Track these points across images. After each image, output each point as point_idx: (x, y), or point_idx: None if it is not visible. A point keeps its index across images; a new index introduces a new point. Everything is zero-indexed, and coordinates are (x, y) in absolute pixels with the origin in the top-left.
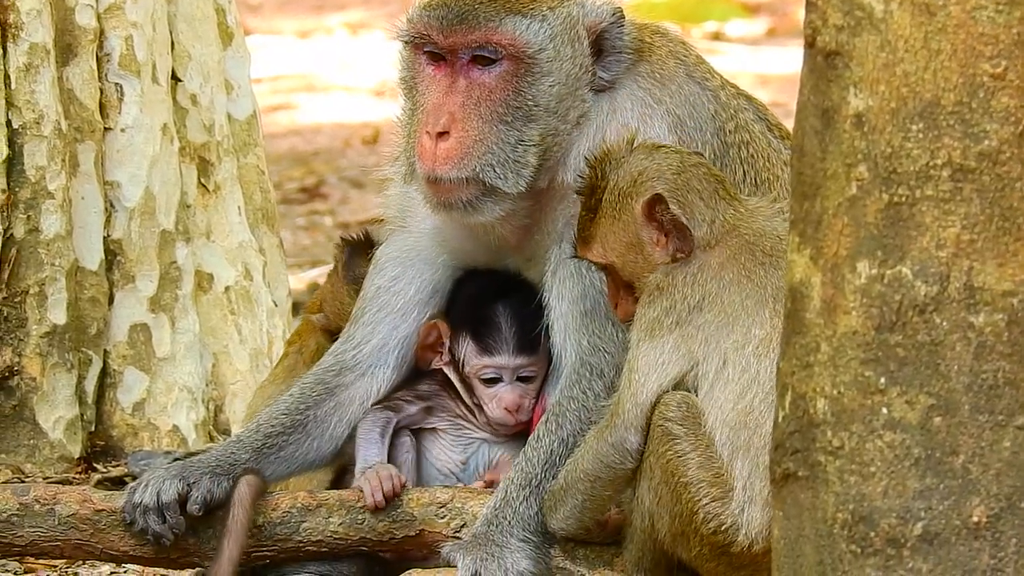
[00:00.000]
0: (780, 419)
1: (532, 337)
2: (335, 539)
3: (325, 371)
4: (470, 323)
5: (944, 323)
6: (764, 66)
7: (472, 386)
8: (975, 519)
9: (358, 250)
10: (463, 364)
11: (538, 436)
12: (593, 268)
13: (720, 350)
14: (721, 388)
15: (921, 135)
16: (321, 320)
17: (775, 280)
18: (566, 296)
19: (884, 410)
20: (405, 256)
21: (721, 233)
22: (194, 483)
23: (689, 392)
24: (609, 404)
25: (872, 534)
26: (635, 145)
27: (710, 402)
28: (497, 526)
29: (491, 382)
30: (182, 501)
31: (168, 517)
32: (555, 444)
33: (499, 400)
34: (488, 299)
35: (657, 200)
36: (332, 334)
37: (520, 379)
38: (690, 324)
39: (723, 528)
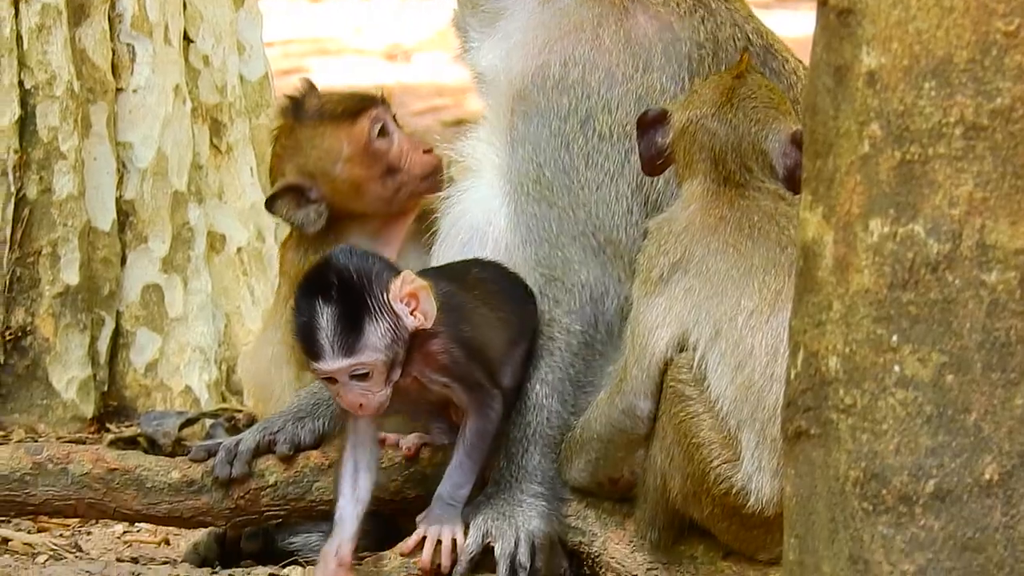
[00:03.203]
0: (792, 377)
1: (351, 337)
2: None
3: None
4: (296, 328)
5: (956, 281)
6: (775, 29)
7: None
8: (987, 476)
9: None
10: None
11: (523, 386)
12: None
13: (711, 320)
14: (716, 361)
15: (934, 93)
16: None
17: (762, 252)
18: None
19: (896, 368)
20: None
21: (715, 195)
22: (278, 431)
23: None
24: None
25: (884, 492)
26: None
27: (710, 374)
28: (505, 485)
29: (329, 382)
30: (261, 451)
31: (235, 465)
32: (537, 387)
33: (340, 399)
34: (303, 302)
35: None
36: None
37: (354, 377)
38: (676, 285)
39: (734, 490)
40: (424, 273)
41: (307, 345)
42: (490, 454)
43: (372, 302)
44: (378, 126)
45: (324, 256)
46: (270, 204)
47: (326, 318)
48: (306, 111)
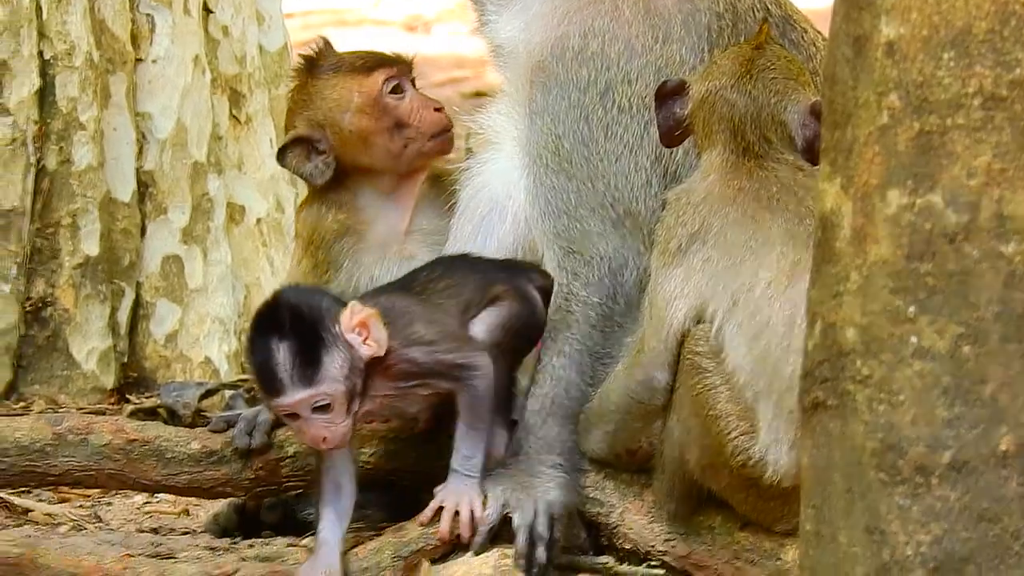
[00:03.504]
0: (810, 348)
1: (309, 369)
2: (367, 469)
3: None
4: (252, 368)
5: (974, 252)
6: (797, 1)
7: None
8: (1003, 448)
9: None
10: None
11: (540, 358)
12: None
13: (728, 291)
14: (734, 332)
15: (952, 63)
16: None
17: (781, 223)
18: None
19: (913, 339)
20: None
21: (734, 167)
22: None
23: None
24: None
25: (901, 462)
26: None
27: (727, 345)
28: (524, 457)
29: (291, 418)
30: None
31: (254, 436)
32: (555, 359)
33: (302, 436)
34: (258, 342)
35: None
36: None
37: (316, 410)
38: (694, 256)
39: (751, 462)
40: (369, 297)
41: (266, 382)
42: (498, 413)
43: (325, 335)
44: (392, 83)
45: (272, 296)
46: (280, 156)
47: (283, 354)
48: (320, 65)
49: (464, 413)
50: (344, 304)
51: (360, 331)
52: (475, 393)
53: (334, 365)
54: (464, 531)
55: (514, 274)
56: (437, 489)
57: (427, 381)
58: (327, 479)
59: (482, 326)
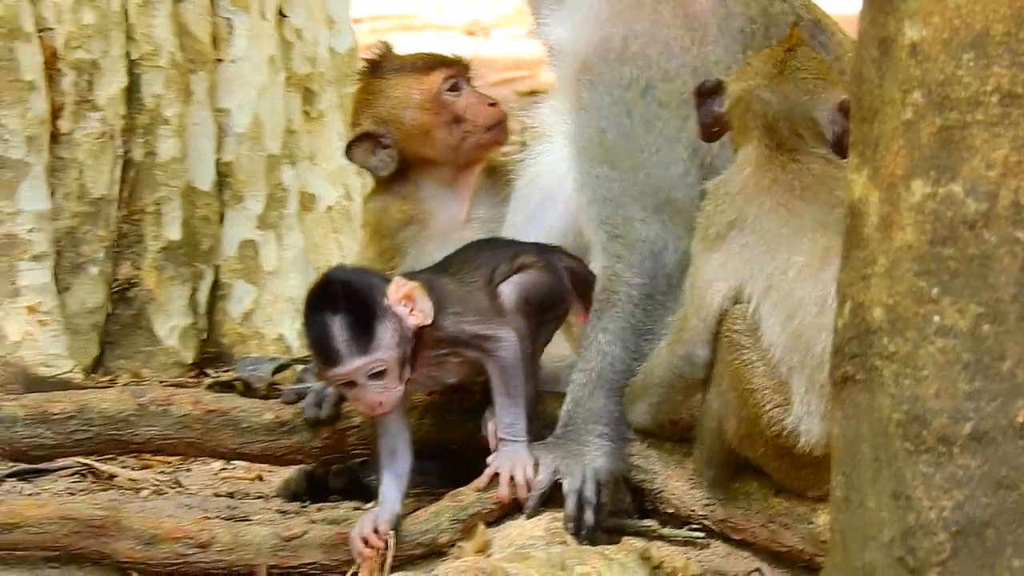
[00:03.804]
0: (840, 326)
1: (364, 338)
2: (426, 438)
3: None
4: (309, 341)
5: (992, 238)
6: (825, 6)
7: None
8: (1020, 419)
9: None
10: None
11: (587, 335)
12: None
13: (764, 275)
14: (769, 312)
15: (972, 63)
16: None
17: (812, 212)
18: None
19: (936, 318)
20: None
21: (768, 160)
22: None
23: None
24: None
25: (925, 433)
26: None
27: (763, 324)
28: (572, 426)
29: (347, 387)
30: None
31: (323, 407)
32: (601, 335)
33: (358, 404)
34: (313, 318)
35: (720, 89)
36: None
37: (372, 377)
38: (732, 241)
39: (785, 433)
40: (411, 274)
41: (324, 354)
42: (533, 378)
43: (376, 307)
44: (450, 81)
45: (321, 276)
46: (348, 151)
47: (338, 326)
48: (383, 67)
49: (497, 384)
50: (389, 279)
51: (406, 302)
52: (503, 363)
53: (386, 334)
54: (522, 493)
55: (543, 250)
56: (490, 458)
57: (455, 349)
58: (384, 445)
59: (510, 287)
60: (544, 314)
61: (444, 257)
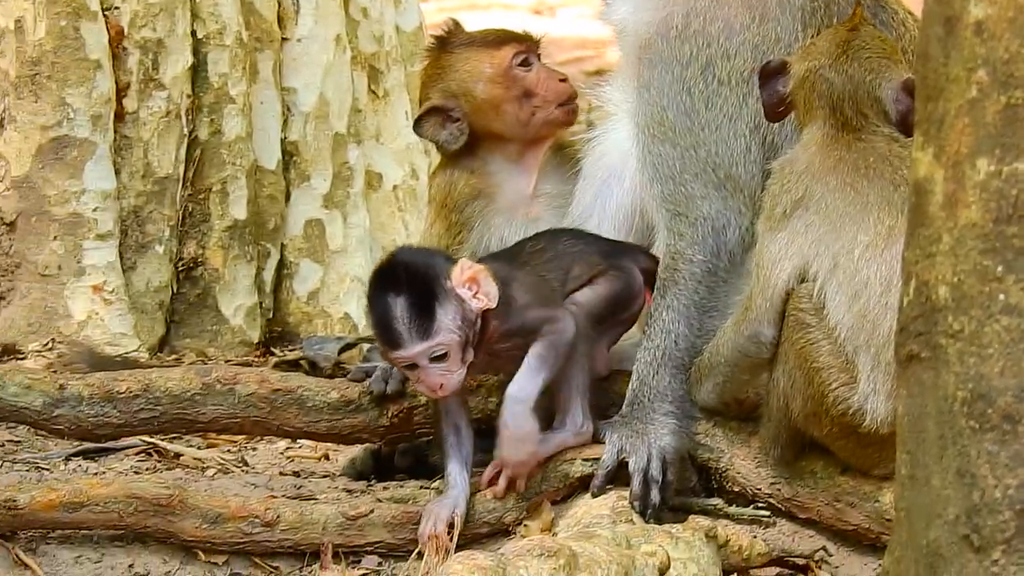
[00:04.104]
0: (905, 304)
1: (426, 322)
2: (491, 417)
3: None
4: (372, 322)
5: None
6: None
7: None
8: None
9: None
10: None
11: (651, 313)
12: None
13: (829, 253)
14: (835, 291)
15: None
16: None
17: (877, 190)
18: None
19: (1001, 296)
20: None
21: (833, 139)
22: None
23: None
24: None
25: (990, 411)
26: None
27: (828, 303)
28: (638, 405)
29: (410, 368)
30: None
31: (389, 383)
32: (665, 313)
33: (419, 385)
34: (376, 300)
35: (784, 69)
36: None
37: (433, 360)
38: (798, 220)
39: (851, 411)
40: (481, 258)
41: (386, 336)
42: (578, 394)
43: (438, 290)
44: (521, 56)
45: (387, 256)
46: (417, 125)
47: (400, 309)
48: (452, 42)
49: (532, 352)
50: (455, 261)
51: (471, 285)
52: (552, 338)
53: (447, 317)
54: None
55: (619, 253)
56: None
57: (519, 338)
58: (447, 424)
59: (580, 301)
60: (612, 322)
61: (517, 243)
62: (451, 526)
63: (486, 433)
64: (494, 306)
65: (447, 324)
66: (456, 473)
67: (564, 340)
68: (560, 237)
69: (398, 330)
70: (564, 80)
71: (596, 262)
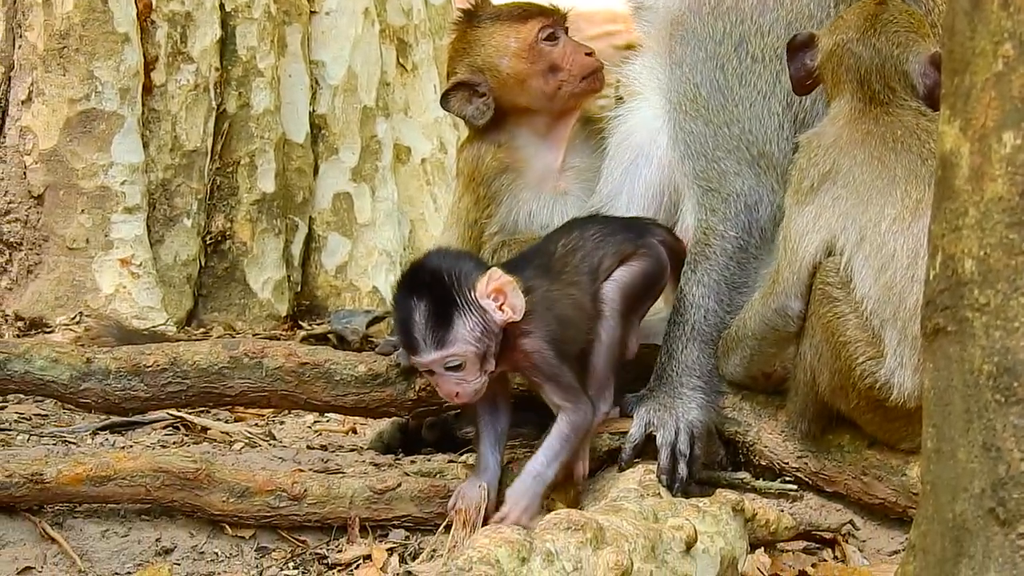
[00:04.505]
0: (931, 278)
1: (441, 331)
2: (522, 392)
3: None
4: (395, 324)
5: None
6: None
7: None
8: None
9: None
10: None
11: (681, 288)
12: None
13: (856, 227)
14: (861, 264)
15: None
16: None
17: (905, 163)
18: (672, 155)
19: None
20: None
21: (861, 113)
22: None
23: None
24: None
25: (1015, 384)
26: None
27: (855, 276)
28: (667, 379)
29: (428, 373)
30: None
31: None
32: (695, 288)
33: (438, 389)
34: (401, 301)
35: (812, 42)
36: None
37: (449, 368)
38: (825, 194)
39: (878, 385)
40: (512, 266)
41: (406, 340)
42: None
43: (459, 299)
44: (547, 31)
45: (420, 256)
46: (444, 100)
47: (419, 315)
48: (479, 16)
49: (561, 428)
50: (485, 269)
51: (496, 296)
52: (579, 419)
53: (465, 328)
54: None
55: (642, 232)
56: (509, 490)
57: (546, 384)
58: (483, 410)
59: (612, 288)
60: (643, 298)
61: (546, 239)
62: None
63: (519, 408)
64: (519, 319)
65: (464, 335)
66: (488, 453)
67: (586, 423)
68: (588, 230)
69: (415, 336)
70: (590, 54)
71: (624, 247)
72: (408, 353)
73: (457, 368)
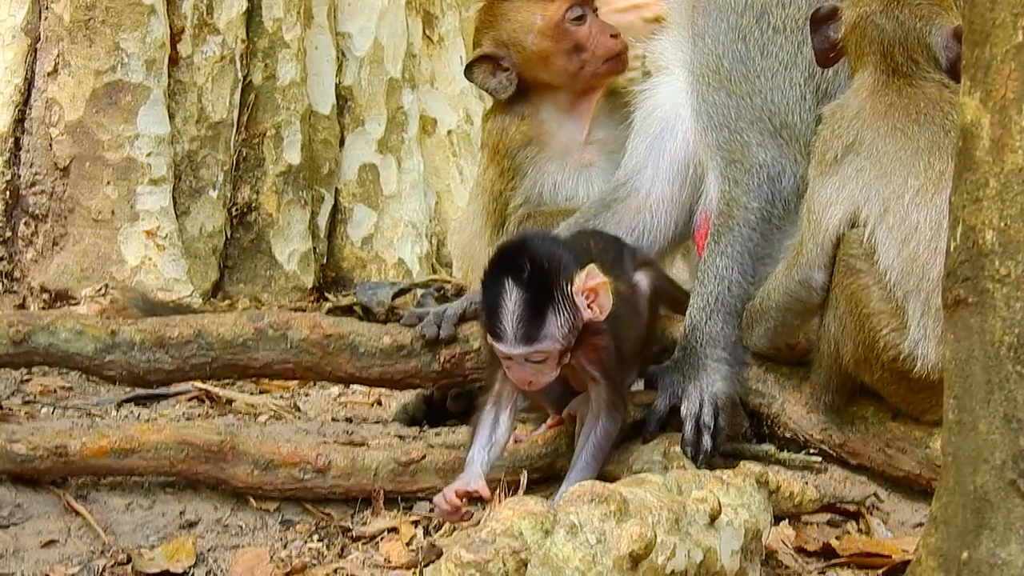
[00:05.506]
0: (952, 249)
1: (534, 326)
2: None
3: (602, 193)
4: (483, 303)
5: None
6: None
7: None
8: None
9: None
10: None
11: (705, 259)
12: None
13: (880, 198)
14: (885, 236)
15: None
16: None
17: (928, 135)
18: (695, 127)
19: None
20: None
21: (884, 85)
22: (480, 302)
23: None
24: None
25: None
26: None
27: (879, 248)
28: (691, 350)
29: (505, 359)
30: (468, 317)
31: (443, 327)
32: (719, 259)
33: (510, 373)
34: (494, 280)
35: (835, 15)
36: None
37: (530, 361)
38: (849, 165)
39: (901, 357)
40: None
41: (492, 325)
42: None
43: (557, 293)
44: (575, 11)
45: (520, 236)
46: (468, 71)
47: (514, 303)
48: None
49: (596, 440)
50: (582, 265)
51: (588, 295)
52: (613, 426)
53: (556, 324)
54: None
55: (633, 250)
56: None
57: (601, 380)
58: (487, 411)
59: (642, 277)
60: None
61: (577, 236)
62: (469, 496)
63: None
64: (602, 320)
65: (554, 332)
66: (476, 453)
67: (618, 429)
68: (600, 235)
69: (505, 325)
70: (616, 35)
71: (637, 255)
72: (492, 338)
73: (538, 361)
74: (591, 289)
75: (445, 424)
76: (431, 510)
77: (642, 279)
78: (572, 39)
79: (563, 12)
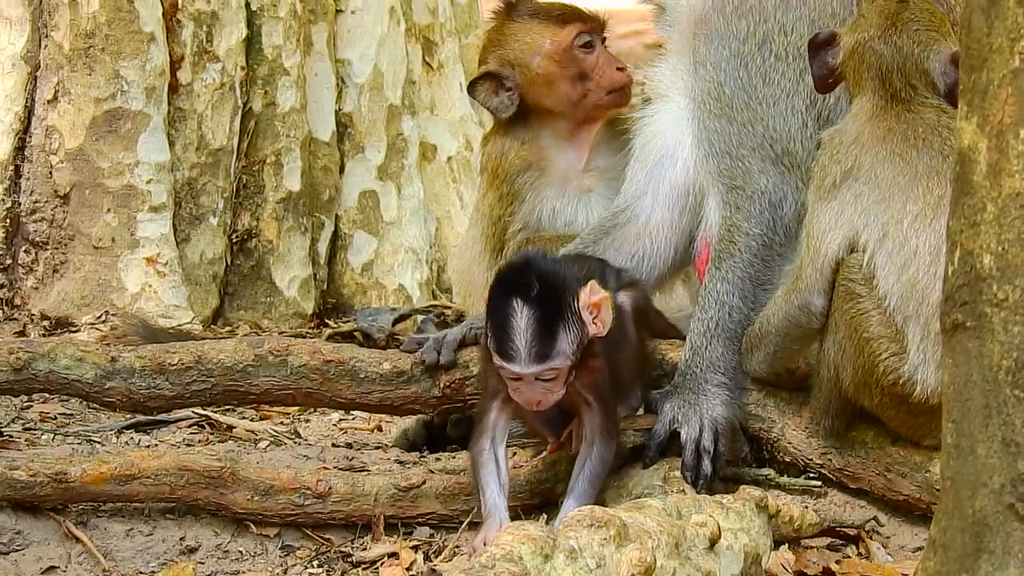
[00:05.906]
0: (949, 273)
1: (546, 344)
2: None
3: (601, 220)
4: (490, 322)
5: None
6: None
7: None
8: None
9: None
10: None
11: (705, 285)
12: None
13: (879, 223)
14: (884, 261)
15: None
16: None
17: (926, 160)
18: (696, 153)
19: None
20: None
21: (882, 110)
22: (479, 328)
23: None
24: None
25: None
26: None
27: (878, 272)
28: (691, 375)
29: (513, 379)
30: (467, 343)
31: (442, 352)
32: (719, 285)
33: (518, 395)
34: (501, 300)
35: (833, 40)
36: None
37: (540, 379)
38: (847, 191)
39: (901, 381)
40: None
41: (502, 346)
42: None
43: (566, 310)
44: (584, 38)
45: (523, 255)
46: (471, 88)
47: (524, 322)
48: (519, 10)
49: (592, 466)
50: (585, 281)
51: (592, 310)
52: (608, 452)
53: (566, 341)
54: None
55: (617, 271)
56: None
57: (594, 404)
58: (487, 453)
59: (624, 298)
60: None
61: (564, 260)
62: None
63: None
64: (603, 335)
65: (565, 349)
66: (494, 498)
67: (613, 456)
68: (585, 259)
69: (516, 346)
70: (622, 69)
71: (620, 276)
72: (502, 359)
73: (549, 379)
74: (595, 304)
75: (445, 449)
76: (431, 535)
77: (625, 300)
78: (578, 66)
79: (572, 38)
